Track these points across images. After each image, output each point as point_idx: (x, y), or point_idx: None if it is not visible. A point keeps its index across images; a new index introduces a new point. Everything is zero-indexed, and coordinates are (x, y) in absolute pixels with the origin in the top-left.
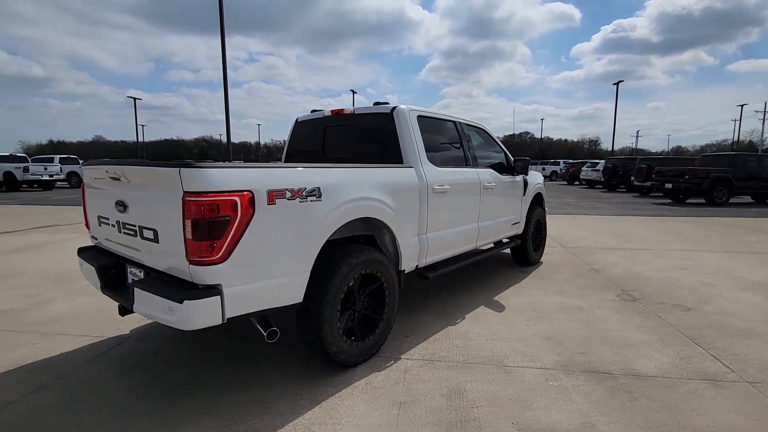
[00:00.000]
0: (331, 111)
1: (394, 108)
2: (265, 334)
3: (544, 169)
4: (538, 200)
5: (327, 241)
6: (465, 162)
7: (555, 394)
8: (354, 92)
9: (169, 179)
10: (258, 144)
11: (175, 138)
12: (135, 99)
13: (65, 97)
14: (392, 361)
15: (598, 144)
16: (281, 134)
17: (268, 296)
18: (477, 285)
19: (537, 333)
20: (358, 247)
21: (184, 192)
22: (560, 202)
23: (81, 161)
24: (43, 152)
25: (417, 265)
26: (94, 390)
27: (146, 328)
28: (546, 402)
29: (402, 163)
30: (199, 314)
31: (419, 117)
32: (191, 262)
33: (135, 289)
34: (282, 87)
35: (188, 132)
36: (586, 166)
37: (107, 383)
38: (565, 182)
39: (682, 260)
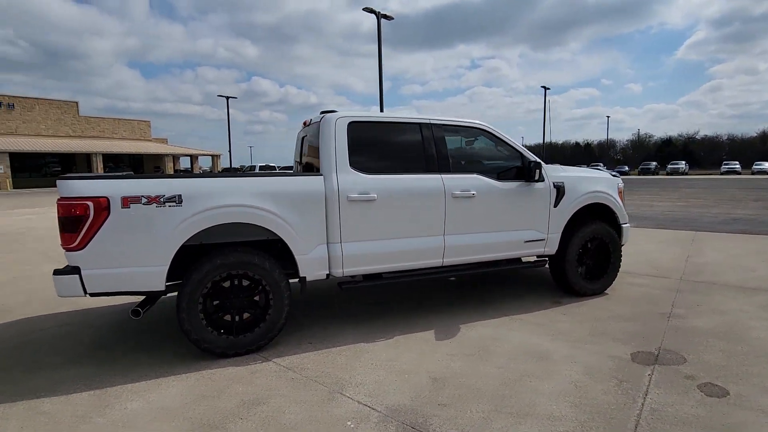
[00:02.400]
0: (304, 122)
1: (322, 117)
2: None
3: None
4: (603, 214)
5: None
6: (424, 167)
7: None
8: (546, 88)
9: None
10: None
11: None
12: None
13: None
14: (260, 361)
15: None
16: None
17: (125, 281)
18: (468, 306)
19: (434, 371)
20: (232, 249)
21: (59, 197)
22: None
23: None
24: None
25: (329, 274)
26: (81, 335)
27: (168, 299)
28: None
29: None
30: (63, 286)
31: (353, 123)
32: (63, 249)
33: None
34: (503, 89)
35: None
36: None
37: (85, 332)
38: None
39: None
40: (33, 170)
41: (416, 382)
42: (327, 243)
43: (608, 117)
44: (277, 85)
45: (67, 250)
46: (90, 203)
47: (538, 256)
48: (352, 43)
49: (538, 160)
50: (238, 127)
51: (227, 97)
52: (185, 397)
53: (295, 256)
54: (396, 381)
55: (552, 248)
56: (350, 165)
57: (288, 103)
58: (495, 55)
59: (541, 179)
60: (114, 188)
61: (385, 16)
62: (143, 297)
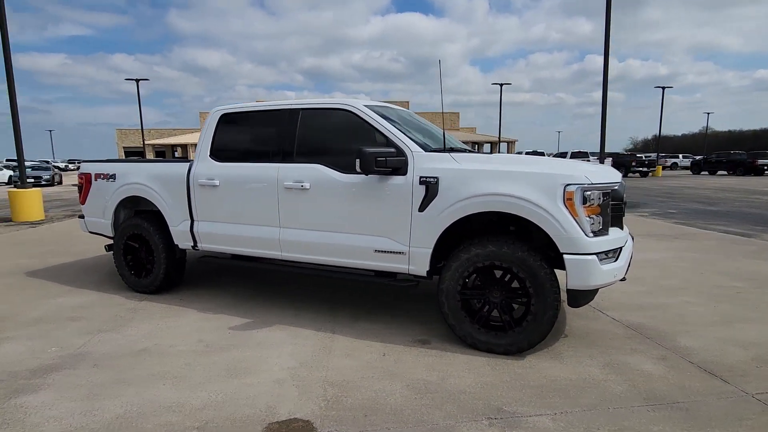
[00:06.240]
0: None
1: None
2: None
3: None
4: (535, 234)
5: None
6: (270, 155)
7: None
8: None
9: None
10: None
11: None
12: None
13: (685, 91)
14: (141, 299)
15: None
16: None
17: (98, 227)
18: (339, 315)
19: (160, 345)
20: (139, 215)
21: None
22: None
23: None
24: (647, 148)
25: (194, 247)
26: (92, 266)
27: None
28: None
29: None
30: (82, 226)
31: (225, 115)
32: (80, 203)
33: None
34: None
35: None
36: None
37: (96, 265)
38: None
39: None
40: None
41: (135, 346)
42: (191, 220)
43: None
44: (616, 59)
45: (80, 204)
46: (84, 176)
47: (414, 276)
48: None
49: (405, 145)
50: (566, 111)
51: (501, 84)
52: (78, 304)
53: (169, 227)
54: (131, 340)
55: (419, 267)
56: (210, 154)
57: (627, 80)
58: None
59: (399, 172)
60: (93, 168)
61: None
62: None
